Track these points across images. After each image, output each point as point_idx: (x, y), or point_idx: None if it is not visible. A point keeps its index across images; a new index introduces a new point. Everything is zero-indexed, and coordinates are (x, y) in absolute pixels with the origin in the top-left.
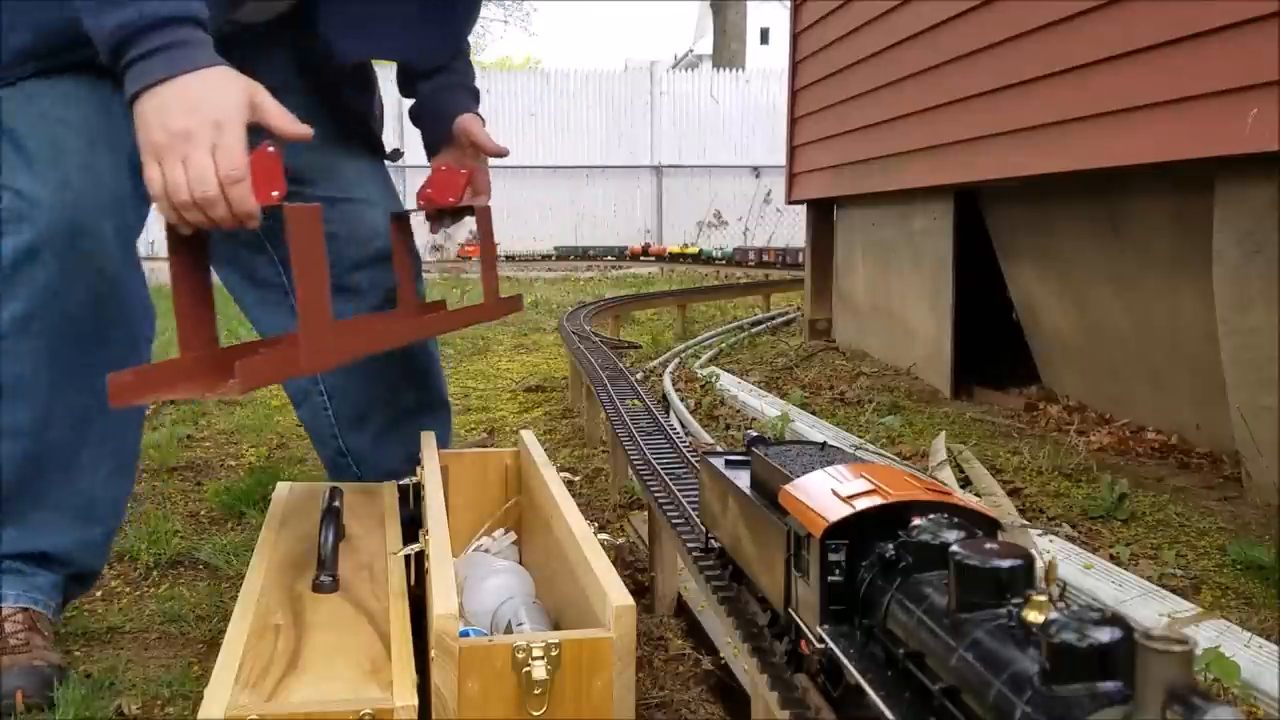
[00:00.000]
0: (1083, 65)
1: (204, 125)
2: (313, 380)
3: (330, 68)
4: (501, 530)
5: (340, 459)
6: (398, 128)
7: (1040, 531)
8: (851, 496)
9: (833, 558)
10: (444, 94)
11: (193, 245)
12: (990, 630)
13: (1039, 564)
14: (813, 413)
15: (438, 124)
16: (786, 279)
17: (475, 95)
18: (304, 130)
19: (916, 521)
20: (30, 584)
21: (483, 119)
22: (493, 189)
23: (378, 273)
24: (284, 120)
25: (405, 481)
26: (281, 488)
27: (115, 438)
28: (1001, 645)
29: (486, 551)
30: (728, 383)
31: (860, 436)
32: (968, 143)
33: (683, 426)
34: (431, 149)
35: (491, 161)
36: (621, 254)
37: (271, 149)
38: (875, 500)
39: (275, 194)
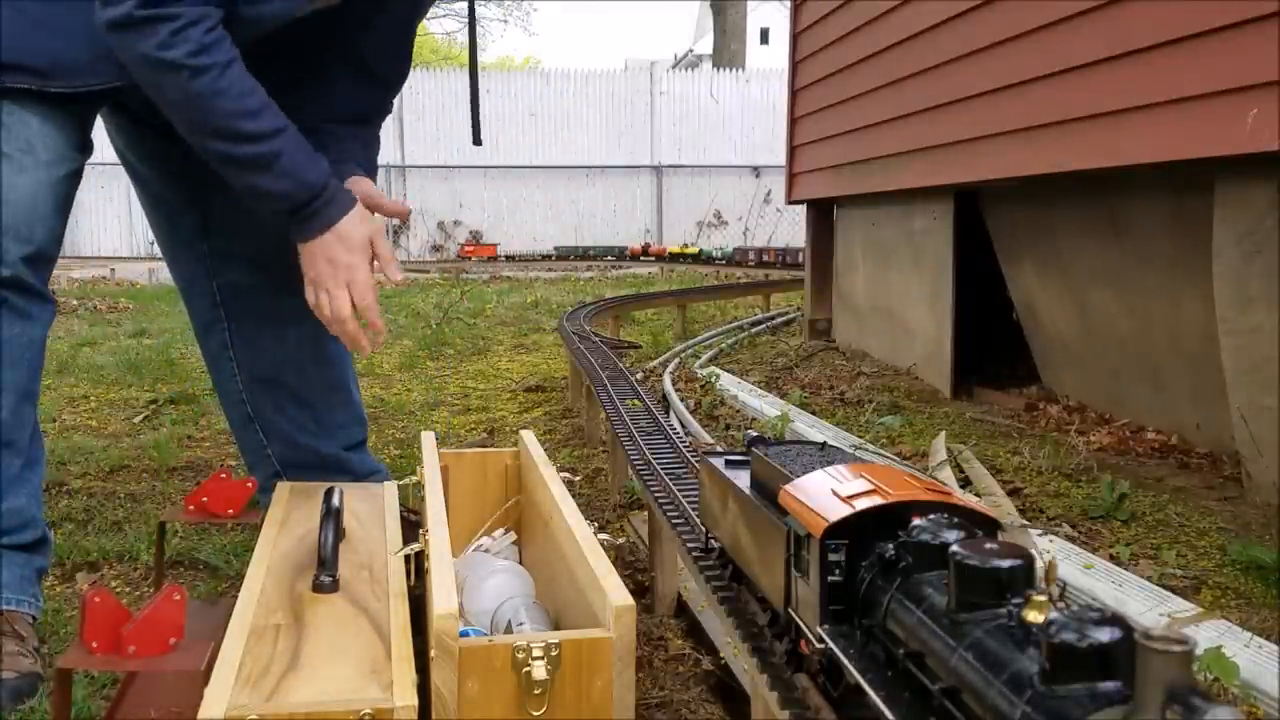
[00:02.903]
0: (1083, 65)
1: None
2: (223, 345)
3: None
4: (501, 530)
5: (249, 425)
6: (396, 128)
7: (1040, 531)
8: (851, 496)
9: (833, 558)
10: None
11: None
12: (990, 630)
13: (1039, 564)
14: (813, 413)
15: None
16: (786, 279)
17: (364, 166)
18: (397, 276)
19: (916, 521)
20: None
21: (373, 178)
22: (494, 189)
23: None
24: (387, 261)
25: (405, 481)
26: (281, 488)
27: None
28: (1001, 645)
29: (486, 551)
30: (728, 383)
31: (860, 436)
32: (968, 143)
33: (683, 426)
34: None
35: (492, 161)
36: (621, 254)
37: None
38: (875, 500)
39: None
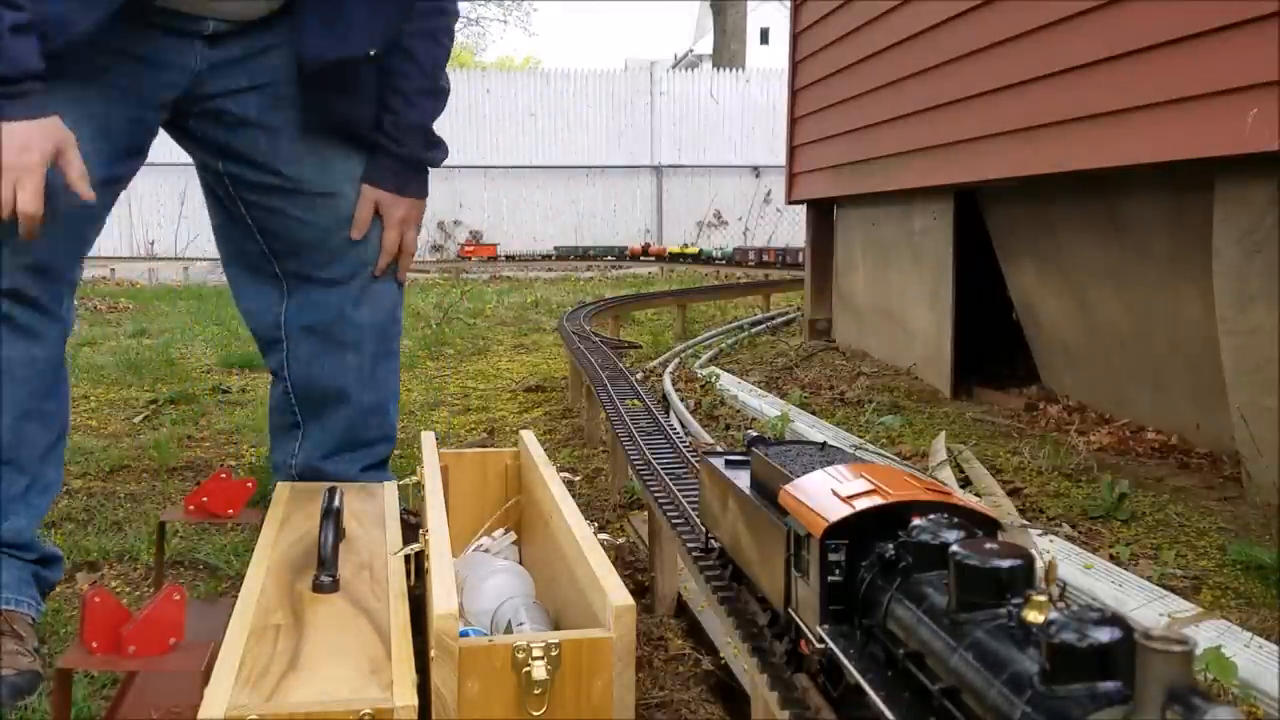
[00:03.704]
0: (1083, 65)
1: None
2: (280, 364)
3: (311, 74)
4: (501, 530)
5: (291, 432)
6: None
7: (1040, 531)
8: (851, 496)
9: (833, 558)
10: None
11: None
12: (990, 630)
13: (1039, 564)
14: (813, 413)
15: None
16: (786, 279)
17: (405, 165)
18: (86, 192)
19: (916, 521)
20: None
21: (394, 195)
22: (494, 189)
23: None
24: (75, 175)
25: (405, 481)
26: (281, 488)
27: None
28: (1001, 645)
29: (486, 551)
30: (728, 383)
31: (860, 436)
32: (968, 143)
33: (683, 426)
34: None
35: (493, 161)
36: (621, 254)
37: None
38: (875, 500)
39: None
